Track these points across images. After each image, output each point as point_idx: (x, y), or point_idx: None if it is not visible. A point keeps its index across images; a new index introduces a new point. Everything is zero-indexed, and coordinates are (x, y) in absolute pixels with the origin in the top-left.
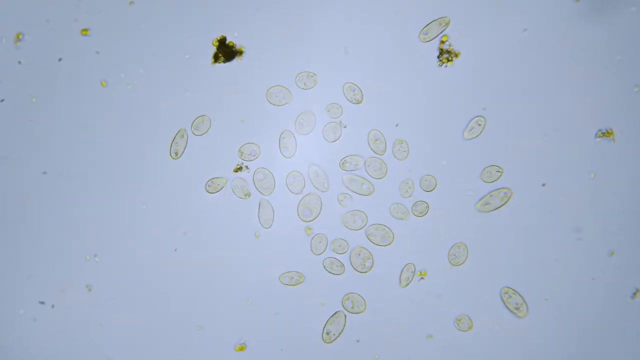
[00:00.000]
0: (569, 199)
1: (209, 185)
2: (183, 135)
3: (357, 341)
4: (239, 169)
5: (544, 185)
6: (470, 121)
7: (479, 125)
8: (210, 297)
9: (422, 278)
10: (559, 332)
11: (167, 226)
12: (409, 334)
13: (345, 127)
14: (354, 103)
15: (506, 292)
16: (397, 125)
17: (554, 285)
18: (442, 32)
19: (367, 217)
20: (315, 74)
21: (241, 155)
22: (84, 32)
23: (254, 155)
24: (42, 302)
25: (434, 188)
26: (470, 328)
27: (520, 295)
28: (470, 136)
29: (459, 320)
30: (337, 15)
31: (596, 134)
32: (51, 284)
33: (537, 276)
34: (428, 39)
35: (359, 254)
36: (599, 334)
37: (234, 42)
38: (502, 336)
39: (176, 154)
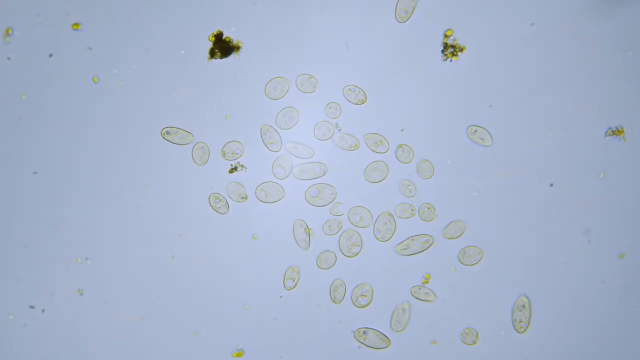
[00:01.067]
0: (578, 199)
1: (215, 202)
2: (186, 137)
3: (359, 347)
4: (234, 169)
5: (551, 185)
6: (469, 137)
7: (477, 132)
8: (206, 301)
9: (426, 282)
10: (568, 337)
11: (162, 227)
12: (412, 339)
13: (340, 130)
14: (357, 104)
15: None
16: (402, 130)
17: (562, 289)
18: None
19: (371, 215)
20: (314, 78)
21: (224, 155)
22: (75, 27)
23: (238, 153)
24: (32, 307)
25: (431, 175)
26: (475, 342)
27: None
28: (488, 143)
29: (466, 334)
30: (338, 8)
31: (606, 132)
32: (41, 288)
33: (544, 279)
34: (406, 19)
35: (350, 238)
36: (608, 339)
37: (231, 37)
38: (508, 341)
39: (167, 133)
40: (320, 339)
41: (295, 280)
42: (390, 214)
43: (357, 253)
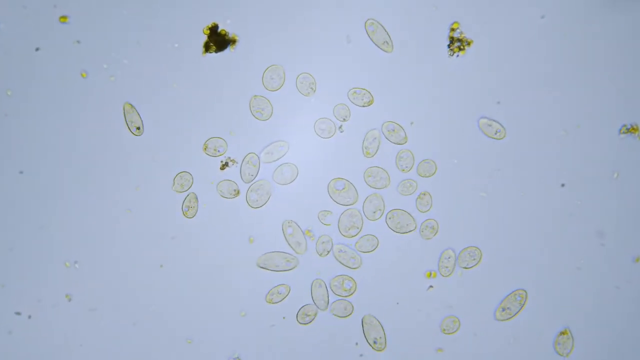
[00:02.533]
0: (591, 200)
1: (184, 210)
2: (130, 110)
3: (360, 355)
4: (225, 166)
5: (563, 185)
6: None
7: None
8: (200, 307)
9: (430, 286)
10: (581, 344)
11: (154, 230)
12: (417, 346)
13: (342, 131)
14: (365, 106)
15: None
16: (412, 123)
17: (576, 294)
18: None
19: (384, 204)
20: (315, 83)
21: (205, 149)
22: (62, 20)
23: (220, 151)
24: (18, 313)
25: (433, 173)
26: (456, 330)
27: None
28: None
29: (446, 322)
30: (338, 1)
31: (620, 130)
32: (27, 293)
33: (557, 284)
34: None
35: (351, 216)
36: (623, 346)
37: (227, 30)
38: (518, 348)
39: (138, 129)
40: (319, 347)
41: (282, 295)
42: (410, 216)
43: (354, 235)
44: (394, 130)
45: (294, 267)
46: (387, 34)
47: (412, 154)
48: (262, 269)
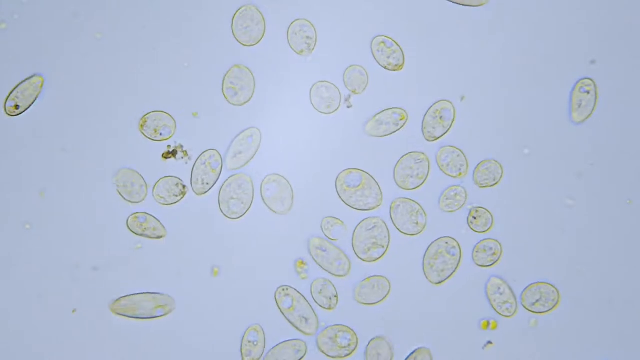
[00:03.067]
0: None
1: (136, 220)
2: (34, 84)
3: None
4: (171, 155)
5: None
6: (574, 88)
7: (588, 92)
8: None
9: (489, 343)
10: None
11: (64, 257)
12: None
13: (350, 106)
14: (390, 69)
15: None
16: (462, 98)
17: None
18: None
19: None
20: (314, 32)
21: (142, 126)
22: None
23: (164, 134)
24: None
25: (495, 182)
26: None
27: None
28: (582, 117)
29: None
30: None
31: None
32: None
33: None
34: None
35: (373, 228)
36: None
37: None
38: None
39: (17, 107)
40: None
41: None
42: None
43: (376, 259)
44: (441, 117)
45: (166, 314)
46: None
47: (464, 154)
48: (119, 316)
